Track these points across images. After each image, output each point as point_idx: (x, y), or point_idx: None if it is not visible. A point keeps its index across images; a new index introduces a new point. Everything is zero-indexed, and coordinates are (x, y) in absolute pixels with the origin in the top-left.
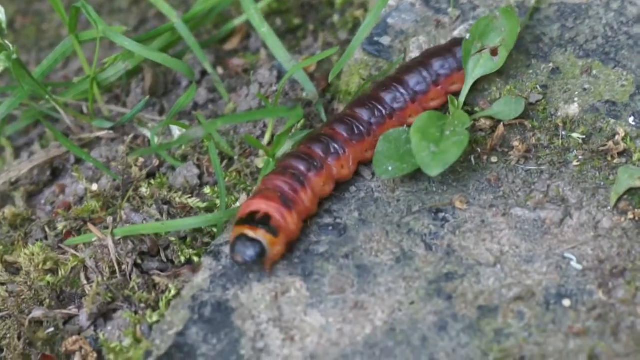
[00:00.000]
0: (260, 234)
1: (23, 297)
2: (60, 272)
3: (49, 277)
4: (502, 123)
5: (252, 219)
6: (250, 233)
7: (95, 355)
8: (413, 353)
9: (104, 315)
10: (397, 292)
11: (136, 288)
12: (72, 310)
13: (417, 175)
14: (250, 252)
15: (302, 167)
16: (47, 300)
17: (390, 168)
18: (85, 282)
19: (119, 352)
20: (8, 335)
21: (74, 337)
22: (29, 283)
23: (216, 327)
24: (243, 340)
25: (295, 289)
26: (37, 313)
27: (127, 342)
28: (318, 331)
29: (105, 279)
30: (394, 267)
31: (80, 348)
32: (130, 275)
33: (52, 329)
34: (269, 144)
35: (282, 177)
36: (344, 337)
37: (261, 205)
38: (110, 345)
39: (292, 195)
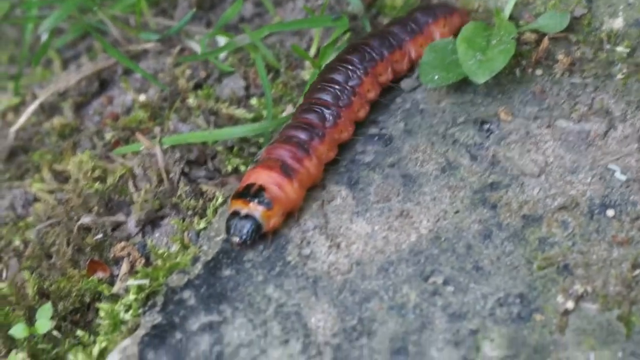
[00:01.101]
0: (252, 208)
1: (72, 204)
2: (108, 180)
3: (97, 185)
4: (546, 36)
5: (247, 192)
6: (242, 209)
7: (143, 261)
8: (458, 260)
9: (151, 222)
10: (442, 201)
11: (184, 196)
12: (120, 217)
13: (462, 86)
14: (244, 230)
15: (304, 136)
16: (96, 208)
17: (436, 77)
18: (133, 190)
19: (167, 258)
20: (57, 242)
21: (122, 243)
22: (77, 190)
23: (262, 234)
24: (289, 246)
25: (341, 197)
26: (86, 220)
27: (174, 248)
28: (363, 239)
29: (153, 186)
30: (439, 176)
31: (129, 254)
32: (177, 183)
33: (100, 236)
34: (315, 56)
35: (287, 146)
36: (390, 244)
37: (259, 177)
38: (158, 251)
39: (295, 164)
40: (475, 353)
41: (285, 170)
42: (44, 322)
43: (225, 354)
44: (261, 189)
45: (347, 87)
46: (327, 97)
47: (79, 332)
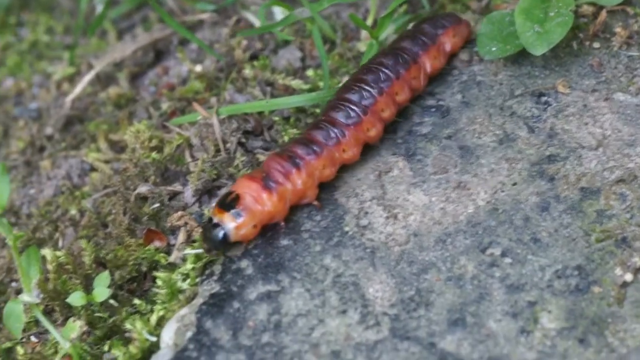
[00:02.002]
0: (222, 217)
1: (128, 173)
2: (165, 150)
3: (154, 154)
4: (604, 9)
5: (224, 200)
6: (214, 216)
7: (200, 230)
8: (515, 232)
9: (208, 191)
10: (500, 173)
11: (240, 166)
12: (177, 187)
13: (519, 59)
14: (211, 237)
15: (300, 151)
16: (152, 177)
17: (493, 49)
18: (190, 159)
19: None
20: (113, 211)
21: (179, 213)
22: (134, 160)
23: (321, 204)
24: (347, 217)
25: (399, 168)
26: (143, 189)
27: None
28: (421, 210)
29: (210, 156)
30: (496, 148)
31: (185, 223)
32: (234, 153)
33: (157, 205)
34: (373, 26)
35: (279, 158)
36: (447, 215)
37: (241, 186)
38: None
39: (279, 177)
40: (533, 325)
41: (267, 183)
42: (102, 290)
43: (283, 323)
44: (237, 198)
45: (360, 106)
46: (336, 115)
47: (136, 301)
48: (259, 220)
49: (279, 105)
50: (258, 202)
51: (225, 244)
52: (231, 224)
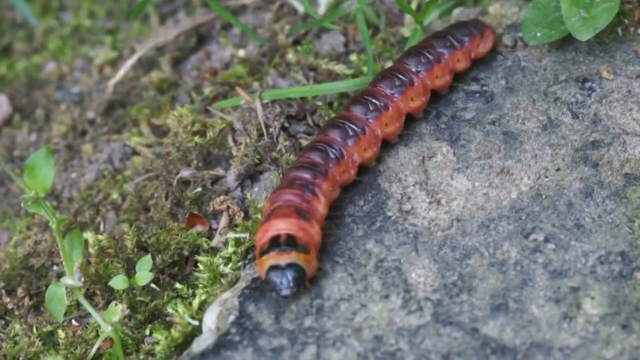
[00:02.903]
0: (293, 257)
1: (171, 157)
2: (208, 134)
3: (197, 139)
4: None
5: (277, 245)
6: (281, 260)
7: (242, 214)
8: (559, 218)
9: (251, 176)
10: (543, 159)
11: (283, 150)
12: (220, 171)
13: (564, 45)
14: (292, 279)
15: (308, 176)
16: (195, 161)
17: (538, 34)
18: (232, 144)
19: None
20: (155, 195)
21: (222, 197)
22: (176, 144)
23: (363, 188)
24: (390, 202)
25: (442, 153)
26: (185, 173)
27: None
28: (464, 195)
29: (252, 141)
30: (540, 134)
31: (228, 208)
32: (277, 138)
33: (199, 189)
34: (417, 10)
35: (291, 190)
36: (490, 201)
37: (280, 226)
38: (257, 205)
39: (305, 206)
40: (576, 310)
41: (301, 214)
42: (144, 273)
43: (325, 308)
44: (290, 236)
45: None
46: (335, 134)
47: (178, 285)
48: (317, 249)
49: (323, 91)
50: (307, 233)
51: (304, 282)
52: (304, 260)
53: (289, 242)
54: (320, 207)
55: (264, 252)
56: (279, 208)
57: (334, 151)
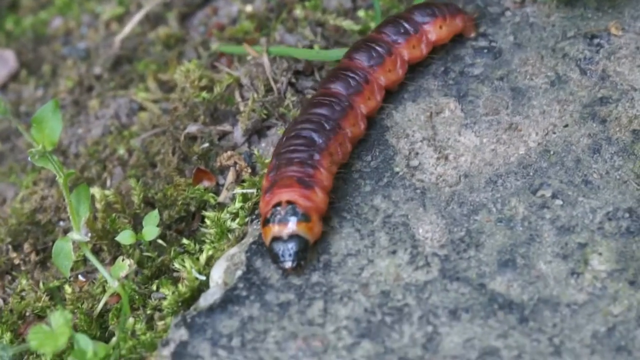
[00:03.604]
0: (293, 227)
1: (178, 113)
2: (215, 90)
3: (204, 94)
4: None
5: (277, 212)
6: (282, 231)
7: (249, 170)
8: (566, 174)
9: (258, 132)
10: (551, 115)
11: (291, 106)
12: (227, 127)
13: (572, 1)
14: (294, 252)
15: (305, 155)
16: (202, 117)
17: None
18: (239, 99)
19: None
20: (162, 151)
21: (229, 153)
22: (183, 100)
23: (370, 144)
24: (397, 158)
25: (450, 109)
26: (192, 128)
27: None
28: (472, 151)
29: (260, 96)
30: (548, 90)
31: (235, 163)
32: (284, 93)
33: (206, 145)
34: None
35: (292, 166)
36: (498, 157)
37: (281, 197)
38: (264, 160)
39: (308, 179)
40: (583, 266)
41: (304, 183)
42: (152, 229)
43: (332, 263)
44: (290, 203)
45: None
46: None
47: (185, 241)
48: (320, 215)
49: (328, 57)
50: (309, 199)
51: (307, 253)
52: (306, 228)
53: (291, 211)
54: (324, 174)
55: (266, 222)
56: (282, 179)
57: (341, 102)
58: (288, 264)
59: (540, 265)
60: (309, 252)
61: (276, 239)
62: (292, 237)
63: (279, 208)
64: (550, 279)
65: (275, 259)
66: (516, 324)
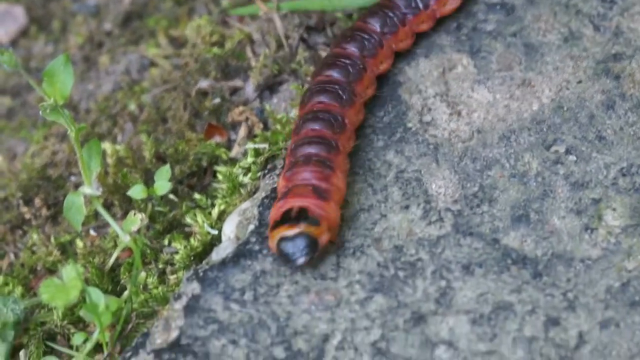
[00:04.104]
0: (301, 227)
1: (189, 69)
2: (226, 45)
3: (215, 50)
4: None
5: (288, 217)
6: (289, 232)
7: (261, 125)
8: (580, 130)
9: (269, 87)
10: (565, 71)
11: (302, 62)
12: (238, 82)
13: None
14: (302, 247)
15: (323, 153)
16: (213, 72)
17: None
18: (251, 55)
19: (285, 123)
20: (173, 106)
21: (240, 108)
22: (194, 55)
23: (383, 100)
24: (410, 113)
25: (462, 65)
26: (204, 84)
27: (293, 113)
28: (485, 107)
29: (271, 52)
30: (561, 46)
31: (247, 119)
32: (296, 49)
33: (218, 100)
34: None
35: (309, 168)
36: (511, 113)
37: (295, 203)
38: (276, 116)
39: (325, 185)
40: (597, 222)
41: (320, 194)
42: (163, 183)
43: (345, 218)
44: (302, 210)
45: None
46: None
47: (196, 196)
48: (330, 227)
49: (342, 5)
50: (323, 209)
51: (316, 251)
52: (315, 231)
53: (302, 216)
54: (340, 177)
55: (275, 225)
56: (297, 187)
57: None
58: (301, 260)
59: (554, 220)
60: (319, 251)
61: (284, 239)
62: (300, 235)
63: (289, 214)
64: (564, 234)
65: (286, 258)
66: (530, 279)
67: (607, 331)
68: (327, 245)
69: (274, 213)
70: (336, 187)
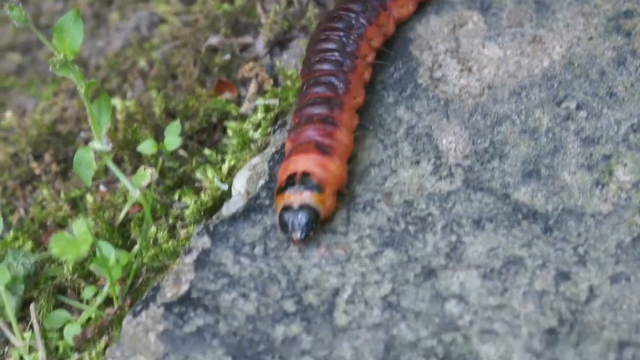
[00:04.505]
0: (304, 198)
1: (198, 25)
2: (236, 2)
3: (225, 6)
4: None
5: (292, 183)
6: (294, 202)
7: (271, 82)
8: (591, 86)
9: (280, 43)
10: (576, 28)
11: (312, 18)
12: (248, 39)
13: None
14: (304, 223)
15: (325, 111)
16: (223, 29)
17: None
18: (261, 11)
19: (296, 79)
20: (183, 63)
21: (250, 64)
22: (204, 12)
23: (394, 56)
24: (420, 69)
25: (473, 22)
26: (214, 40)
27: None
28: (495, 63)
29: (281, 8)
30: (572, 3)
31: (257, 75)
32: (306, 5)
33: (228, 56)
34: None
35: (312, 126)
36: (522, 69)
37: (297, 165)
38: (286, 72)
39: (328, 141)
40: (607, 177)
41: (322, 149)
42: (173, 138)
43: (355, 173)
44: (305, 174)
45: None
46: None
47: (206, 151)
48: (335, 187)
49: None
50: (327, 170)
51: (317, 224)
52: (317, 199)
53: (304, 181)
54: (344, 133)
55: (279, 191)
56: (300, 145)
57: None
58: (297, 235)
59: (565, 176)
60: (318, 224)
61: (287, 207)
62: (303, 207)
63: (294, 178)
64: (575, 189)
65: (284, 228)
66: (540, 234)
67: (618, 285)
68: (332, 210)
69: (281, 173)
70: (340, 143)
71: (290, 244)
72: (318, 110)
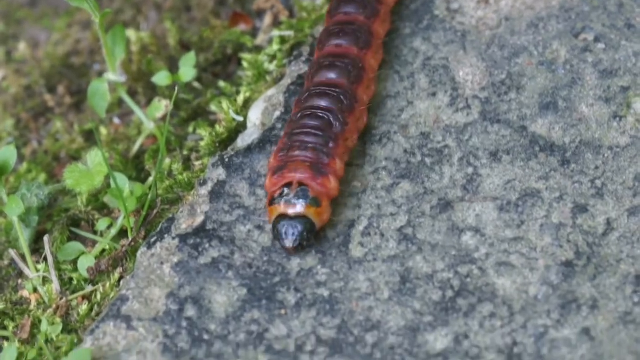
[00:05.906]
0: (302, 210)
1: None
2: None
3: None
4: None
5: (288, 192)
6: (290, 211)
7: (287, 13)
8: (609, 18)
9: None
10: None
11: None
12: None
13: None
14: (298, 233)
15: (320, 141)
16: None
17: None
18: None
19: (312, 11)
20: None
21: None
22: None
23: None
24: (437, 1)
25: None
26: None
27: (320, 1)
28: None
29: None
30: None
31: (272, 6)
32: None
33: None
34: None
35: (305, 153)
36: (539, 1)
37: (294, 176)
38: (302, 3)
39: (322, 167)
40: (626, 110)
41: (317, 170)
42: (188, 70)
43: (372, 105)
44: (301, 185)
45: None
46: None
47: (221, 84)
48: (331, 200)
49: None
50: (323, 185)
51: (312, 236)
52: (314, 212)
53: (302, 193)
54: (338, 164)
55: (272, 201)
56: (293, 163)
57: None
58: (289, 243)
59: (582, 108)
60: (314, 235)
61: (282, 216)
62: (299, 217)
63: (287, 189)
64: (592, 121)
65: (278, 236)
66: (558, 166)
67: (636, 218)
68: (326, 222)
69: (269, 186)
70: (333, 169)
71: None
72: (312, 140)
